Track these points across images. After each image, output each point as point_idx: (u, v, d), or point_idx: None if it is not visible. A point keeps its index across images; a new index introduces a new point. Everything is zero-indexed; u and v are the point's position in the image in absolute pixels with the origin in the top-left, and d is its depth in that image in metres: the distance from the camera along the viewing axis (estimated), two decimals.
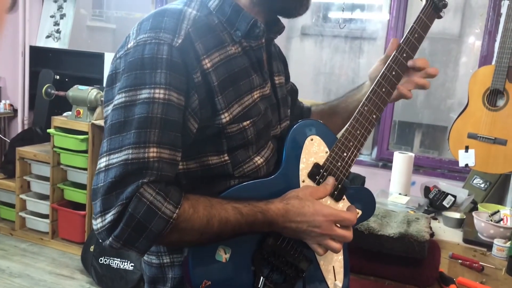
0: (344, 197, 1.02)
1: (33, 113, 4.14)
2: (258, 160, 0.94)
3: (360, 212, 1.05)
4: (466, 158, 2.25)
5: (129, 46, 0.84)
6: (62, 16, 4.24)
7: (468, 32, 4.12)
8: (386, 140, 3.34)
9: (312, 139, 0.99)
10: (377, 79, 1.06)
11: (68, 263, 3.29)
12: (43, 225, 3.56)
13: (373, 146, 3.39)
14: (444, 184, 2.04)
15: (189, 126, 0.85)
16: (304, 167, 0.98)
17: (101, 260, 3.00)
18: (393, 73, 1.07)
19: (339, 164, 1.00)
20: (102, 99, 3.27)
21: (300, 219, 0.90)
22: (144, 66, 0.81)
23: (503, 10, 2.80)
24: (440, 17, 1.15)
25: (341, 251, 1.04)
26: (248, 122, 0.90)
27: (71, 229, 3.46)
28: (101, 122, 3.25)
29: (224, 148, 0.89)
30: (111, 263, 2.98)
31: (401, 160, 1.97)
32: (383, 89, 1.06)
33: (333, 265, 1.03)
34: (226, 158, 0.90)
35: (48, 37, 4.25)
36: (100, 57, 3.90)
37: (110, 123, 0.82)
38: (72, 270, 3.20)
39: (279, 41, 1.09)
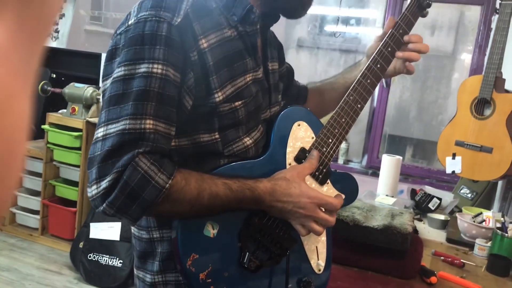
0: (328, 181, 1.06)
1: None
2: (248, 140, 0.98)
3: (343, 196, 1.09)
4: (453, 165, 2.29)
5: (129, 23, 0.88)
6: (61, 16, 4.28)
7: (461, 50, 4.21)
8: (376, 148, 3.39)
9: (299, 125, 1.03)
10: (361, 72, 1.11)
11: (57, 259, 3.29)
12: (33, 221, 3.57)
13: (364, 154, 3.44)
14: (430, 188, 2.09)
15: (184, 103, 0.89)
16: (291, 150, 1.02)
17: (90, 256, 3.01)
18: (378, 65, 1.12)
19: (324, 149, 1.04)
20: (98, 97, 3.31)
21: (286, 199, 0.94)
22: (144, 42, 0.85)
23: (493, 25, 2.88)
24: (424, 15, 1.21)
25: (324, 234, 1.08)
26: (239, 102, 0.94)
27: (61, 226, 3.47)
28: (96, 120, 3.28)
29: (215, 127, 0.93)
30: (100, 259, 2.99)
31: (389, 162, 2.02)
32: (368, 80, 1.10)
33: (316, 246, 1.06)
34: (217, 136, 0.94)
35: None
36: (97, 57, 3.93)
37: (109, 95, 0.86)
38: (60, 266, 3.21)
39: None
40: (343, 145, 3.43)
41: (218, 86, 0.91)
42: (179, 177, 0.86)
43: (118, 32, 0.90)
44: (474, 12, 3.34)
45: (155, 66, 0.84)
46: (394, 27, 1.14)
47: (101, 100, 3.12)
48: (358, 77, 1.10)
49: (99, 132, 0.85)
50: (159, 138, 0.85)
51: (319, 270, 1.06)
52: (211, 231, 0.94)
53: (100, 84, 3.76)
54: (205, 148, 0.94)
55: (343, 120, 1.06)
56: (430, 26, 4.08)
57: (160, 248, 0.98)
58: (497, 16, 2.30)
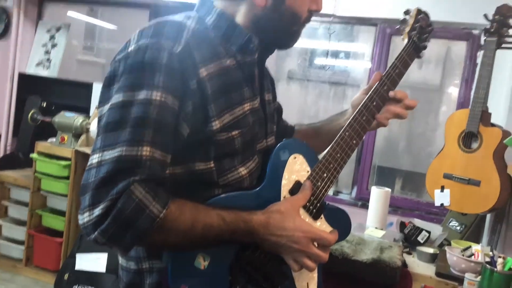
0: (322, 216, 1.06)
1: (17, 138, 4.13)
2: (243, 170, 0.98)
3: (337, 232, 1.09)
4: (441, 198, 2.30)
5: (129, 50, 0.89)
6: (54, 46, 4.31)
7: (448, 83, 4.29)
8: (365, 180, 3.40)
9: (295, 157, 1.04)
10: (359, 108, 1.13)
11: None
12: (18, 251, 3.50)
13: (353, 185, 3.45)
14: (419, 220, 2.09)
15: (181, 130, 0.89)
16: (286, 183, 1.02)
17: None
18: (374, 103, 1.14)
19: (319, 183, 1.05)
20: (88, 126, 3.30)
21: (280, 233, 0.93)
22: (144, 69, 0.86)
23: (479, 61, 2.94)
24: (419, 57, 1.24)
25: (316, 270, 1.07)
26: (236, 132, 0.95)
27: (46, 256, 3.40)
28: (85, 149, 3.26)
29: (211, 155, 0.93)
30: None
31: (378, 194, 2.03)
32: (364, 117, 1.12)
33: (307, 282, 1.05)
34: (212, 165, 0.94)
35: (38, 65, 4.30)
36: (88, 87, 3.93)
37: (106, 121, 0.86)
38: None
39: None
40: None
41: (216, 114, 0.91)
42: (173, 207, 0.85)
43: (117, 58, 0.91)
44: (460, 47, 3.42)
45: (155, 93, 0.85)
46: (391, 67, 1.17)
47: (91, 129, 3.11)
48: (354, 114, 1.12)
49: (94, 158, 0.84)
50: (155, 165, 0.85)
51: None
52: (202, 262, 0.93)
53: (91, 113, 3.77)
54: (200, 177, 0.94)
55: (338, 155, 1.07)
56: (417, 60, 4.15)
57: (149, 280, 0.97)
58: (482, 52, 2.35)
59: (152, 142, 0.84)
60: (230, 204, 0.94)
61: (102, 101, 0.90)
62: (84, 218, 0.82)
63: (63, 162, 3.29)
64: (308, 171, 1.05)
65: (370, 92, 1.15)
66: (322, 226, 1.05)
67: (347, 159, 1.09)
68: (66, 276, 3.00)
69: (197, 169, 0.93)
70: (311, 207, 1.03)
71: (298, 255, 0.95)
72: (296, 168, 1.04)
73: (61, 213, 3.39)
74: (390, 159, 4.55)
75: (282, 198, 1.01)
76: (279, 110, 1.28)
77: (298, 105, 5.02)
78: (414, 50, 1.22)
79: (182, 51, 0.88)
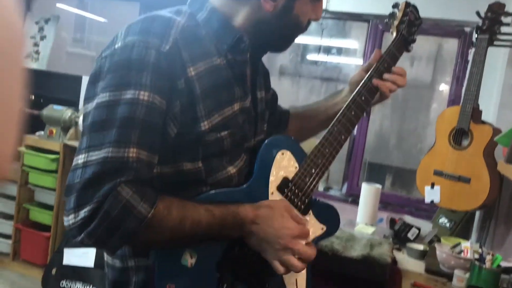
0: (310, 211, 1.05)
1: None
2: (231, 169, 0.96)
3: (324, 227, 1.08)
4: (431, 195, 2.30)
5: (116, 46, 0.86)
6: (43, 38, 4.25)
7: (439, 80, 4.30)
8: (356, 176, 3.40)
9: (283, 153, 1.03)
10: (347, 103, 1.11)
11: (28, 287, 3.18)
12: (5, 245, 3.45)
13: (344, 181, 3.45)
14: (409, 217, 2.09)
15: (168, 130, 0.87)
16: (274, 179, 1.01)
17: (62, 283, 2.91)
18: (362, 97, 1.13)
19: (307, 179, 1.03)
20: (77, 119, 3.26)
21: (267, 226, 0.92)
22: (130, 68, 0.83)
23: (470, 58, 2.95)
24: (408, 50, 1.23)
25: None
26: (226, 132, 0.93)
27: (33, 251, 3.37)
28: (73, 143, 3.23)
29: (199, 155, 0.91)
30: (73, 287, 2.90)
31: (368, 191, 2.02)
32: (352, 112, 1.11)
33: (296, 278, 1.04)
34: (200, 165, 0.92)
35: (26, 57, 4.25)
36: (77, 80, 3.89)
37: (92, 121, 0.83)
38: None
39: None
40: None
41: (204, 115, 0.89)
42: (161, 206, 0.83)
43: (103, 55, 0.88)
44: (451, 45, 3.42)
45: (142, 93, 0.82)
46: (380, 60, 1.15)
47: (79, 122, 3.07)
48: (342, 109, 1.10)
49: (80, 159, 0.82)
50: (141, 166, 0.83)
51: None
52: (188, 260, 0.91)
53: (80, 107, 3.73)
54: (188, 177, 0.92)
55: (327, 150, 1.05)
56: (409, 57, 4.16)
57: (135, 278, 0.95)
58: (473, 49, 2.35)
59: (139, 143, 0.82)
60: (219, 200, 0.92)
61: (88, 98, 0.88)
62: (69, 220, 0.80)
63: (51, 156, 3.25)
64: (296, 167, 1.03)
65: (357, 88, 1.13)
66: (310, 221, 1.04)
67: (335, 154, 1.08)
68: (53, 271, 2.97)
69: (185, 169, 0.91)
70: (299, 202, 1.02)
71: (284, 253, 0.92)
72: (284, 164, 1.02)
73: (48, 207, 3.35)
74: (381, 155, 4.56)
75: (270, 195, 0.99)
76: (273, 97, 1.26)
77: (289, 101, 5.01)
78: (403, 43, 1.21)
79: (170, 49, 0.86)
